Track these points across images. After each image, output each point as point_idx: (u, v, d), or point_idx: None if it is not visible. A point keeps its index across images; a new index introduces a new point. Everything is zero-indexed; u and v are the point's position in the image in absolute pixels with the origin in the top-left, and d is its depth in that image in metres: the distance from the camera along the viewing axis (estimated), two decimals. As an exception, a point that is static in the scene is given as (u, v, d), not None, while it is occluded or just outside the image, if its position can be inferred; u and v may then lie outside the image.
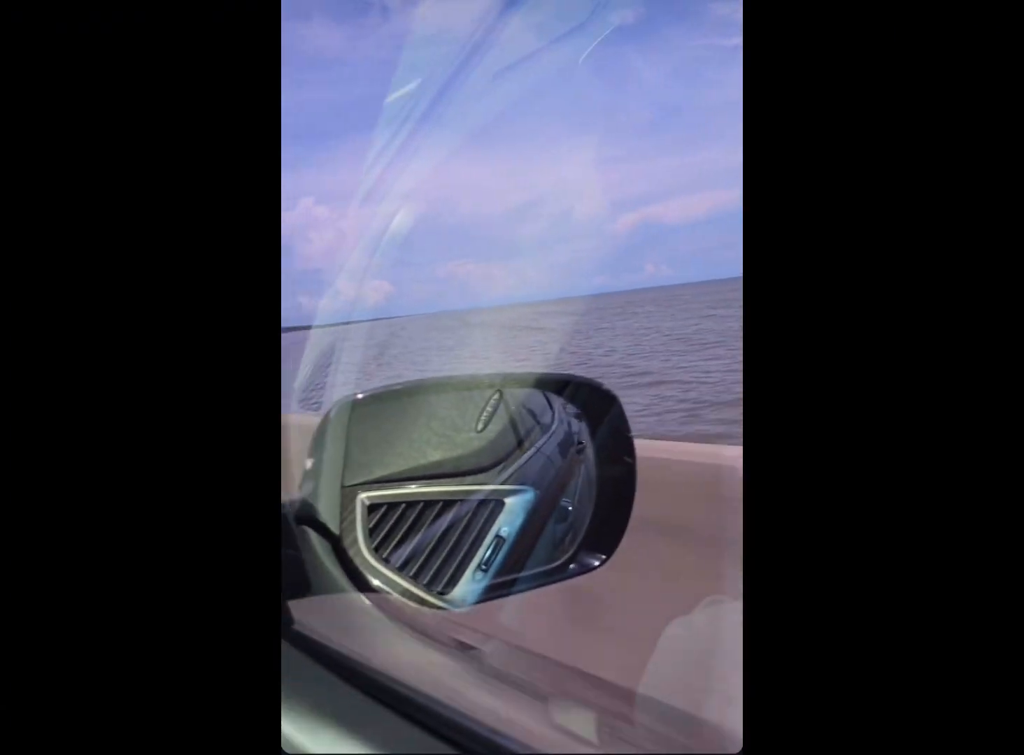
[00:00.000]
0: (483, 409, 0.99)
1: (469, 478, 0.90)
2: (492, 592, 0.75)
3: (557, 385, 0.93)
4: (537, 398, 1.13)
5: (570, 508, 0.97)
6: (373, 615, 0.66)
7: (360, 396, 0.73)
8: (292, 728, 0.44)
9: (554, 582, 0.76)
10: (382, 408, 0.80)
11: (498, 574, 0.79)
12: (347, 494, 0.72)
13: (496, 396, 1.05)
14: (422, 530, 0.78)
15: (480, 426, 0.98)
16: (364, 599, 0.65)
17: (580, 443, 1.16)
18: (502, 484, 0.92)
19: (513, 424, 1.02)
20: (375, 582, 0.68)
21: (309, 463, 0.71)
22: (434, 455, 0.88)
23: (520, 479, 0.95)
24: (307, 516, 0.68)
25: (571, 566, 0.77)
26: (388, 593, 0.68)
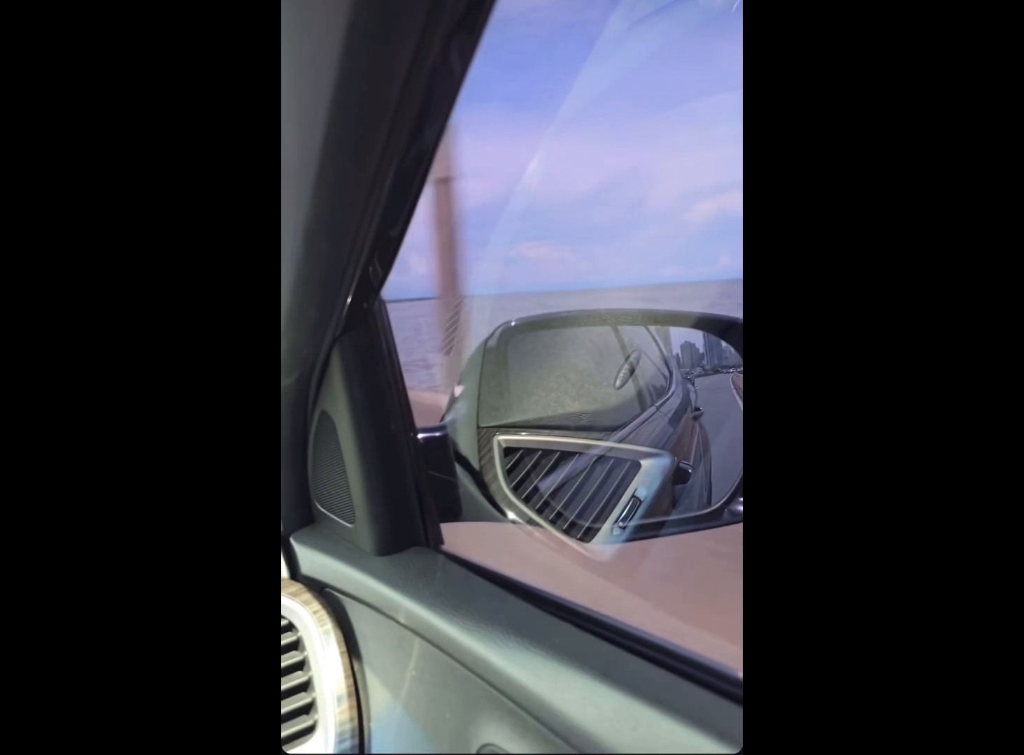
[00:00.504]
0: (622, 366, 0.97)
1: (601, 434, 0.89)
2: (641, 532, 0.73)
3: (721, 327, 0.89)
4: (658, 361, 1.12)
5: (689, 471, 0.96)
6: (522, 542, 0.66)
7: (514, 323, 0.73)
8: (455, 631, 0.44)
9: (706, 528, 0.73)
10: (535, 337, 0.79)
11: (636, 528, 0.77)
12: (484, 433, 0.73)
13: (635, 354, 1.03)
14: (560, 479, 0.77)
15: (618, 383, 0.96)
16: (510, 528, 0.65)
17: (697, 409, 1.14)
18: (623, 443, 0.91)
19: (638, 383, 1.01)
20: (513, 517, 0.68)
21: (458, 390, 0.71)
22: (572, 406, 0.86)
23: (643, 439, 0.94)
24: (453, 446, 0.69)
25: (725, 513, 0.74)
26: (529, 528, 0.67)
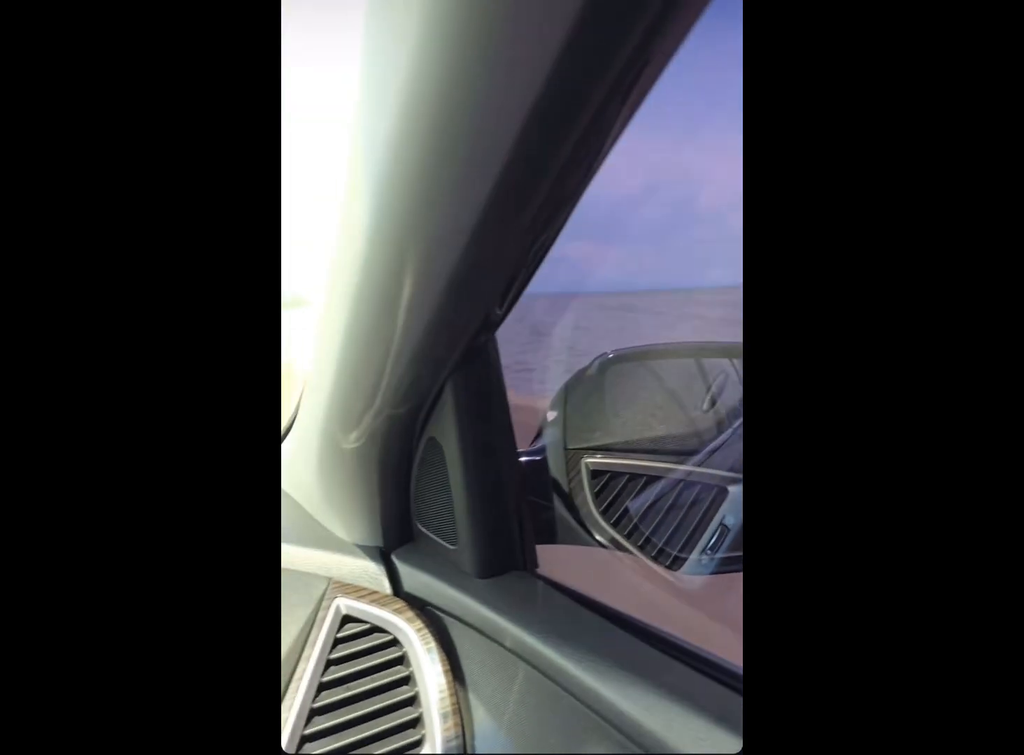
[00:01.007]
0: (710, 388, 0.98)
1: (686, 457, 0.90)
2: (729, 565, 0.74)
3: None
4: (737, 382, 1.11)
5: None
6: (612, 566, 0.68)
7: (611, 354, 0.75)
8: (563, 661, 0.46)
9: None
10: (631, 367, 0.81)
11: (724, 561, 0.78)
12: (571, 456, 0.75)
13: (721, 377, 1.03)
14: (647, 503, 0.79)
15: (706, 405, 0.96)
16: (600, 552, 0.67)
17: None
18: (709, 467, 0.91)
19: (722, 407, 1.01)
20: (601, 539, 0.70)
21: (551, 415, 0.74)
22: (659, 430, 0.88)
23: (727, 462, 0.94)
24: (546, 470, 0.71)
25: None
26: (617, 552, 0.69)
